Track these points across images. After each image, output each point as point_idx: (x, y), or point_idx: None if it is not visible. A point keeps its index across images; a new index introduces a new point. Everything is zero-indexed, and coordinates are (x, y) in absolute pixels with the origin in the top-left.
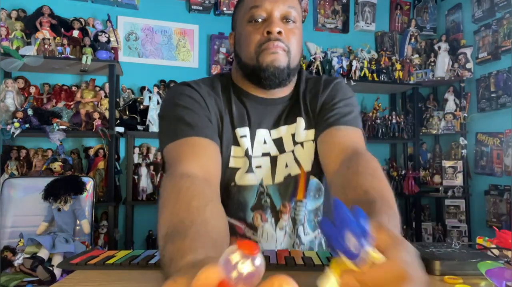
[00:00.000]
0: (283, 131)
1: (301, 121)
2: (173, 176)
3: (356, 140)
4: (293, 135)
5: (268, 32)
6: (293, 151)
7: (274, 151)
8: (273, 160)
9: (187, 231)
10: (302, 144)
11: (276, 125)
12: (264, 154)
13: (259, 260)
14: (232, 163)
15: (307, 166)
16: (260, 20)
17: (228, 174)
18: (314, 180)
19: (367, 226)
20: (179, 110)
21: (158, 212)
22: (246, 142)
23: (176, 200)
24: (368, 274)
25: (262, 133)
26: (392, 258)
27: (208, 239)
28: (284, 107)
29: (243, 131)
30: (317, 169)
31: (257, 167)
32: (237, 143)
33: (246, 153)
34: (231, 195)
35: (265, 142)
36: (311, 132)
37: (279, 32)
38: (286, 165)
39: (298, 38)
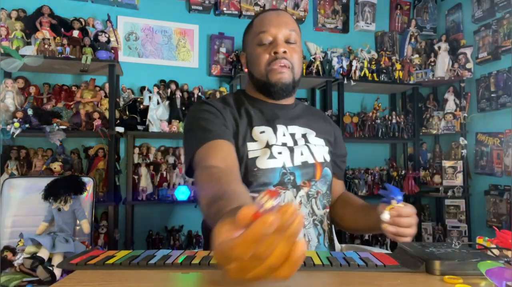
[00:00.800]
0: (296, 129)
1: (311, 131)
2: (202, 168)
3: (343, 188)
4: (304, 135)
5: (275, 53)
6: (307, 146)
7: (290, 143)
8: (291, 149)
9: (222, 196)
10: (315, 145)
11: (290, 123)
12: (283, 144)
13: (277, 200)
14: (251, 155)
15: (320, 158)
16: (267, 43)
17: (249, 163)
18: (327, 170)
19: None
20: (200, 122)
21: (197, 194)
22: (265, 136)
23: (209, 181)
24: (403, 209)
25: (282, 127)
26: (409, 206)
27: (238, 200)
28: (293, 112)
29: (261, 128)
30: (330, 166)
31: (278, 153)
32: (253, 139)
33: (267, 145)
34: (256, 178)
35: (284, 135)
36: (320, 140)
37: (284, 52)
38: (302, 154)
39: (299, 55)
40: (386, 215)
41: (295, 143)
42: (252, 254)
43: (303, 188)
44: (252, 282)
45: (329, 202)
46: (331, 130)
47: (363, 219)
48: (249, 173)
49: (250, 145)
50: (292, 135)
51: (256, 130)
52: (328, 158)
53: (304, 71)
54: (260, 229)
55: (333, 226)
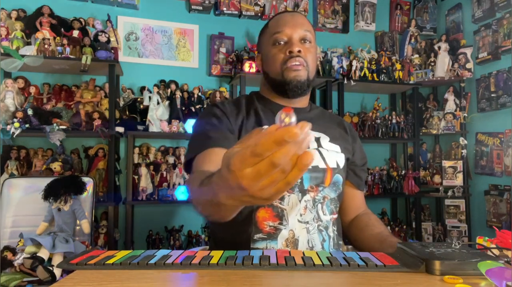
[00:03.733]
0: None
1: (325, 136)
2: (197, 172)
3: (364, 201)
4: (317, 139)
5: (290, 52)
6: (319, 150)
7: None
8: None
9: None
10: (327, 150)
11: None
12: None
13: (294, 117)
14: None
15: (332, 164)
16: (282, 42)
17: None
18: (339, 176)
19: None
20: (205, 126)
21: (189, 193)
22: None
23: (200, 177)
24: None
25: None
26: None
27: None
28: (307, 115)
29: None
30: (345, 175)
31: None
32: None
33: None
34: None
35: None
36: (335, 146)
37: (299, 51)
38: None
39: (314, 55)
40: None
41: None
42: (269, 160)
43: (310, 193)
44: (262, 191)
45: (337, 208)
46: (348, 136)
47: (377, 249)
48: None
49: None
50: None
51: (265, 128)
52: (341, 164)
53: None
54: (284, 135)
55: (340, 231)
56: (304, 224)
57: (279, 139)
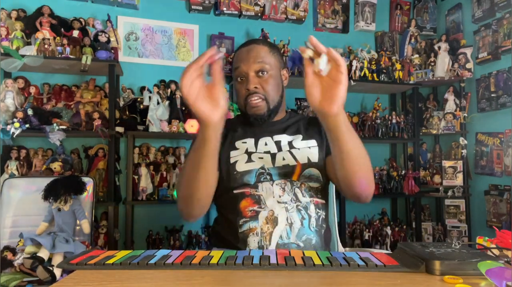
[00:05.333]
0: (283, 137)
1: (298, 137)
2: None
3: None
4: (290, 142)
5: (247, 89)
6: (290, 151)
7: (274, 150)
8: (273, 156)
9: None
10: (299, 149)
11: (278, 133)
12: (265, 152)
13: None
14: (232, 160)
15: (303, 160)
16: (242, 78)
17: (231, 168)
18: (313, 170)
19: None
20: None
21: (178, 186)
22: (245, 145)
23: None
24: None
25: (265, 139)
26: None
27: None
28: (283, 125)
29: (244, 140)
30: (323, 167)
31: (259, 158)
32: (235, 148)
33: (246, 151)
34: (235, 180)
35: (266, 144)
36: (308, 141)
37: (256, 87)
38: (283, 159)
39: (273, 83)
40: (323, 60)
41: (279, 149)
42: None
43: (281, 180)
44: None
45: (318, 195)
46: (321, 127)
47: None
48: (230, 177)
49: (232, 153)
50: (277, 142)
51: (240, 141)
52: (314, 158)
53: None
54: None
55: (335, 228)
56: (283, 204)
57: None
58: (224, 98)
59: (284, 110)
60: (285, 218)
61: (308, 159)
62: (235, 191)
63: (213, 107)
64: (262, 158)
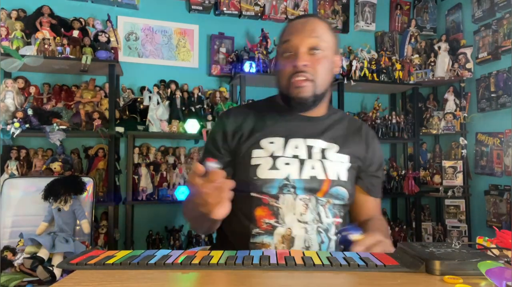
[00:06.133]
0: (317, 143)
1: (334, 146)
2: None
3: (376, 208)
4: (323, 150)
5: (294, 66)
6: (321, 161)
7: (303, 155)
8: (302, 162)
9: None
10: (331, 161)
11: (312, 136)
12: (294, 156)
13: (215, 165)
14: (254, 162)
15: (332, 176)
16: (290, 53)
17: (251, 170)
18: (340, 189)
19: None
20: (208, 145)
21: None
22: (272, 147)
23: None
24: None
25: (296, 141)
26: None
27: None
28: (320, 125)
29: (272, 139)
30: (350, 188)
31: (285, 164)
32: (259, 147)
33: (272, 155)
34: (254, 186)
35: (296, 147)
36: (342, 156)
37: (305, 65)
38: (313, 168)
39: (325, 65)
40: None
41: (310, 156)
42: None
43: (305, 195)
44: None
45: (341, 213)
46: (362, 144)
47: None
48: (249, 180)
49: (255, 152)
50: (310, 147)
51: (266, 139)
52: (344, 177)
53: None
54: (194, 177)
55: None
56: (303, 223)
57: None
58: (229, 198)
59: (327, 104)
60: (302, 240)
61: (338, 175)
62: (252, 194)
63: (220, 205)
64: (288, 164)
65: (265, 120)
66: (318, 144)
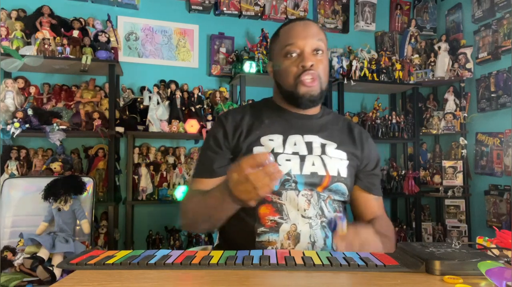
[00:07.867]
0: (315, 139)
1: (333, 144)
2: (190, 191)
3: (379, 205)
4: (323, 145)
5: (303, 66)
6: (321, 157)
7: (303, 151)
8: (302, 158)
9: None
10: (330, 157)
11: (310, 133)
12: (294, 153)
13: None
14: None
15: (332, 172)
16: (294, 55)
17: None
18: (340, 185)
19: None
20: (206, 151)
21: (185, 206)
22: (272, 143)
23: (193, 195)
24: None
25: (294, 138)
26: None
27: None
28: (317, 122)
29: (271, 136)
30: (349, 185)
31: (286, 160)
32: (260, 144)
33: (272, 151)
34: None
35: (295, 144)
36: (341, 153)
37: (312, 65)
38: (313, 164)
39: (326, 64)
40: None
41: (310, 152)
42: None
43: (306, 191)
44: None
45: (340, 208)
46: (356, 144)
47: None
48: None
49: (256, 149)
50: (309, 143)
51: (266, 137)
52: (343, 173)
53: None
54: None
55: None
56: (307, 219)
57: (252, 163)
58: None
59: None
60: (308, 236)
61: (338, 172)
62: None
63: (267, 190)
64: (289, 160)
65: (262, 118)
66: (316, 139)
